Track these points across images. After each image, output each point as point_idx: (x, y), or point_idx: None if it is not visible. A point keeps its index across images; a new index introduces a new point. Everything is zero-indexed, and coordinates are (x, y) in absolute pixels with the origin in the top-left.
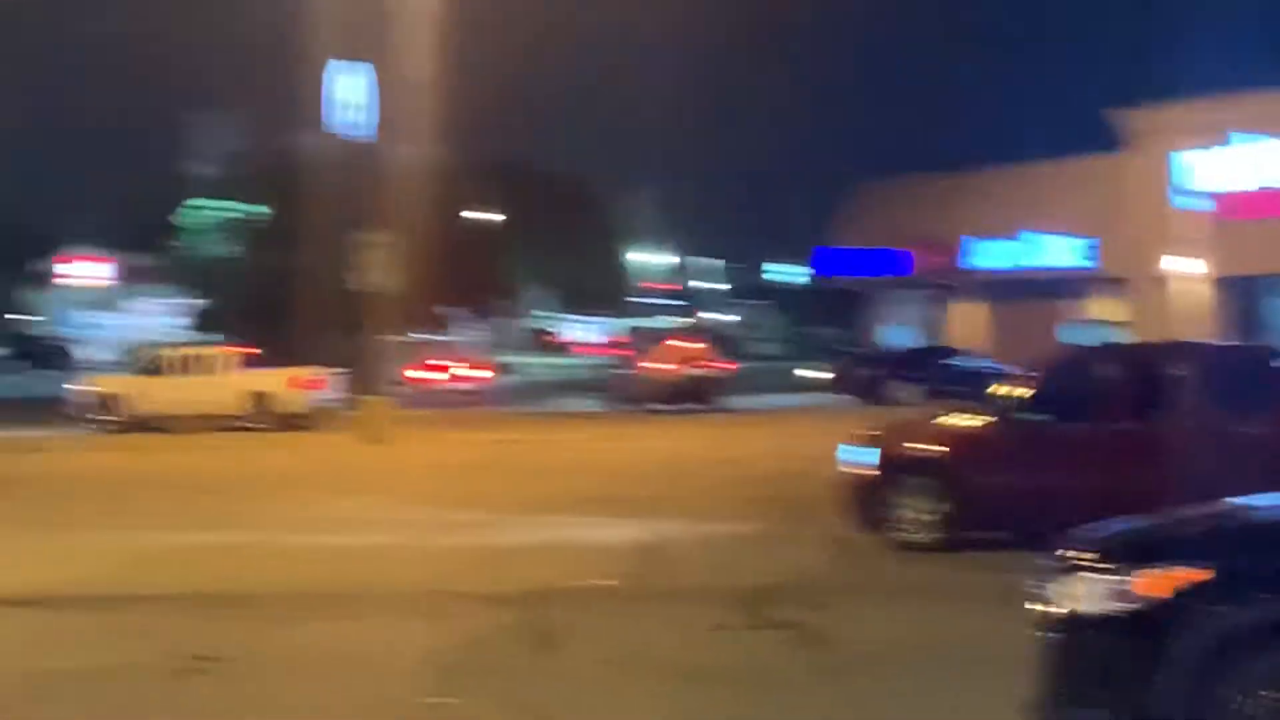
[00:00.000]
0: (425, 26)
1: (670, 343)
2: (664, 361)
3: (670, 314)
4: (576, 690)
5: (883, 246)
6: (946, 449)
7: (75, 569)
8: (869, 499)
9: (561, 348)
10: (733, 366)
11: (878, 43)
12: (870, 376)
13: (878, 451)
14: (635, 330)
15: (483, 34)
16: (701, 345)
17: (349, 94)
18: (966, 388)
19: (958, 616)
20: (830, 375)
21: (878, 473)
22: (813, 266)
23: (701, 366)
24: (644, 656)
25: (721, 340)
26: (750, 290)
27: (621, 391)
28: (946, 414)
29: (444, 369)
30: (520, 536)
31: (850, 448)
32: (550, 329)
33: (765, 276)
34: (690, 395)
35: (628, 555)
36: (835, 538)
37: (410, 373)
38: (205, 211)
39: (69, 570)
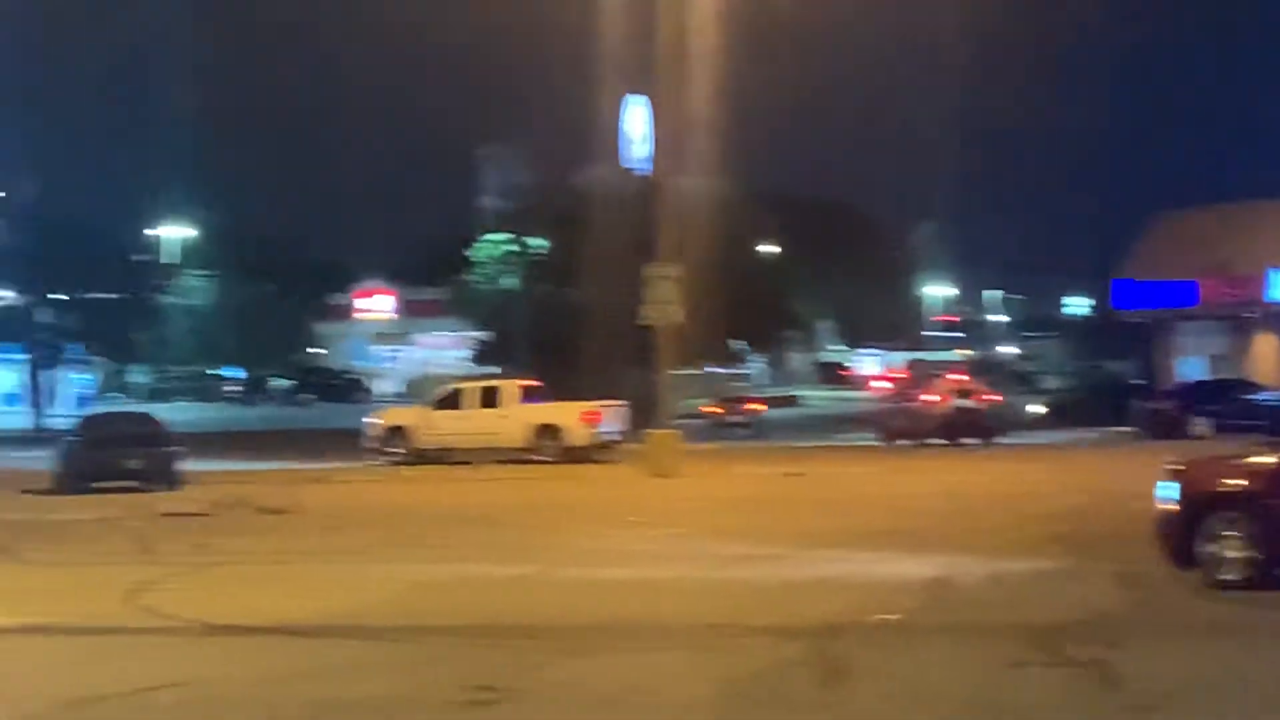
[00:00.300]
0: (708, 61)
1: (941, 376)
2: (933, 395)
3: (955, 347)
4: None
5: (1180, 278)
6: (1255, 484)
7: (362, 599)
8: (1175, 535)
9: (848, 381)
10: (999, 399)
11: (1171, 71)
12: (1163, 411)
13: (1178, 486)
14: (913, 363)
15: (766, 68)
16: (970, 379)
17: (636, 128)
18: (1265, 422)
19: (1263, 656)
20: (1043, 409)
21: (1180, 508)
22: (1112, 298)
23: (974, 400)
24: (936, 692)
25: (1005, 374)
26: (1037, 323)
27: (891, 425)
28: (1253, 448)
29: (738, 403)
30: (806, 570)
31: (1162, 483)
32: (842, 362)
33: (1063, 309)
34: (961, 430)
35: (916, 590)
36: (1132, 574)
37: (704, 406)
38: (492, 245)
39: (356, 600)
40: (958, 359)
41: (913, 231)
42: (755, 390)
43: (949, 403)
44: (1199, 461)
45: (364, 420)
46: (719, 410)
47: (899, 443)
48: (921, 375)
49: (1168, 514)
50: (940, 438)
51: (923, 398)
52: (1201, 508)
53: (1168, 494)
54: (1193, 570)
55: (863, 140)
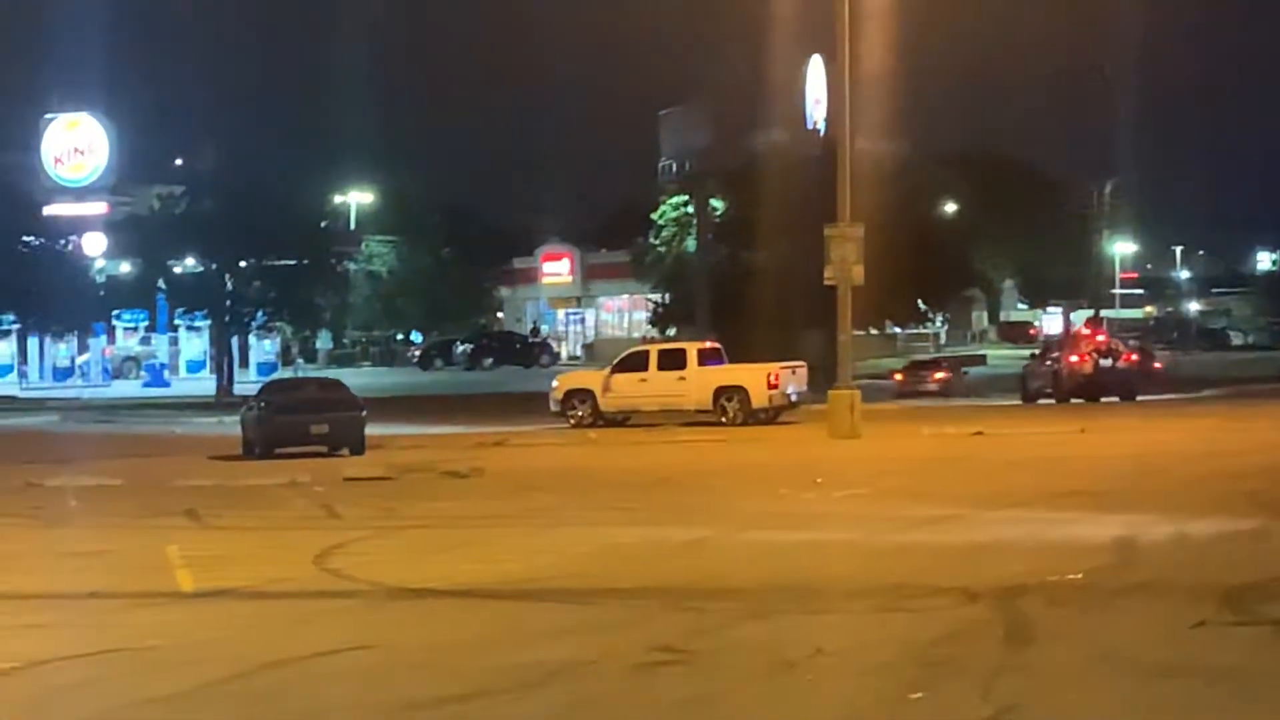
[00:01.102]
0: (887, 21)
1: (1085, 335)
2: (1077, 353)
3: (1140, 304)
4: (1053, 686)
5: None
6: None
7: (545, 562)
8: None
9: (1033, 339)
10: (1136, 359)
11: None
12: None
13: None
14: (1092, 321)
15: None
16: (1110, 339)
17: (815, 89)
18: None
19: None
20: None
21: None
22: None
23: (1118, 359)
24: (1122, 652)
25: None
26: (1224, 279)
27: (1031, 385)
28: None
29: (929, 369)
30: (989, 531)
31: None
32: (1030, 321)
33: (1251, 265)
34: (1102, 389)
35: (1102, 550)
36: None
37: (895, 371)
38: (672, 208)
39: (540, 564)
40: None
41: (1096, 188)
42: (938, 350)
43: (1089, 362)
44: None
45: (553, 384)
46: (902, 378)
47: (1041, 402)
48: (1067, 336)
49: None
50: (1081, 397)
51: (1067, 358)
52: None
53: None
54: None
55: (1045, 96)
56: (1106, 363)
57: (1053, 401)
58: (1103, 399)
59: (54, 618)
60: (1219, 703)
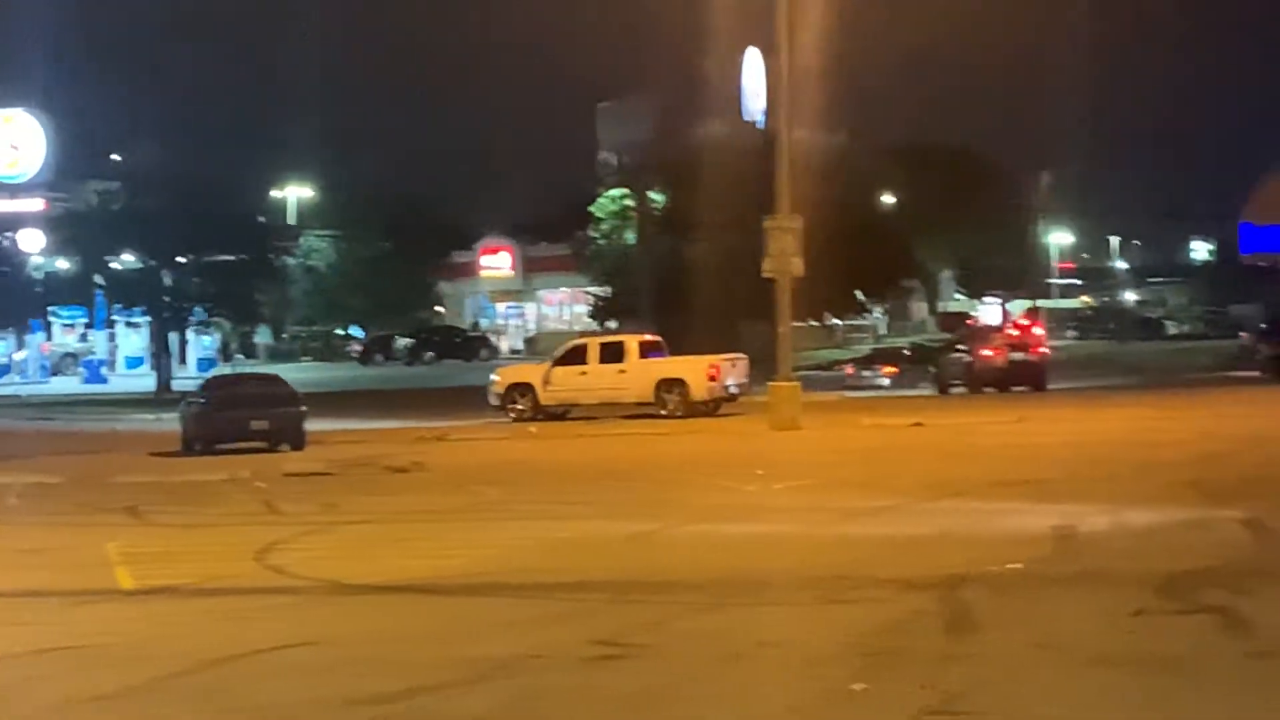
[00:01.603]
0: (825, 12)
1: (996, 328)
2: (988, 347)
3: (1076, 294)
4: (994, 675)
5: None
6: None
7: (489, 556)
8: None
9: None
10: (1047, 351)
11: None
12: None
13: None
14: (1031, 311)
15: (884, 16)
16: (1025, 331)
17: (754, 81)
18: None
19: None
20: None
21: None
22: (1240, 242)
23: (1029, 351)
24: (1062, 641)
25: (1127, 320)
26: (1160, 269)
27: (946, 375)
28: None
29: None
30: (932, 521)
31: None
32: (967, 312)
33: (1183, 254)
34: (1017, 379)
35: (1042, 540)
36: (1259, 520)
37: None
38: (612, 201)
39: (483, 558)
40: (1076, 307)
41: (1035, 179)
42: (877, 341)
43: (1001, 354)
44: None
45: (491, 378)
46: (849, 370)
47: (953, 391)
48: (981, 328)
49: None
50: (992, 387)
51: (979, 350)
52: None
53: None
54: None
55: (983, 87)
56: (1018, 354)
57: (965, 391)
58: (1013, 389)
59: None
60: (1159, 690)
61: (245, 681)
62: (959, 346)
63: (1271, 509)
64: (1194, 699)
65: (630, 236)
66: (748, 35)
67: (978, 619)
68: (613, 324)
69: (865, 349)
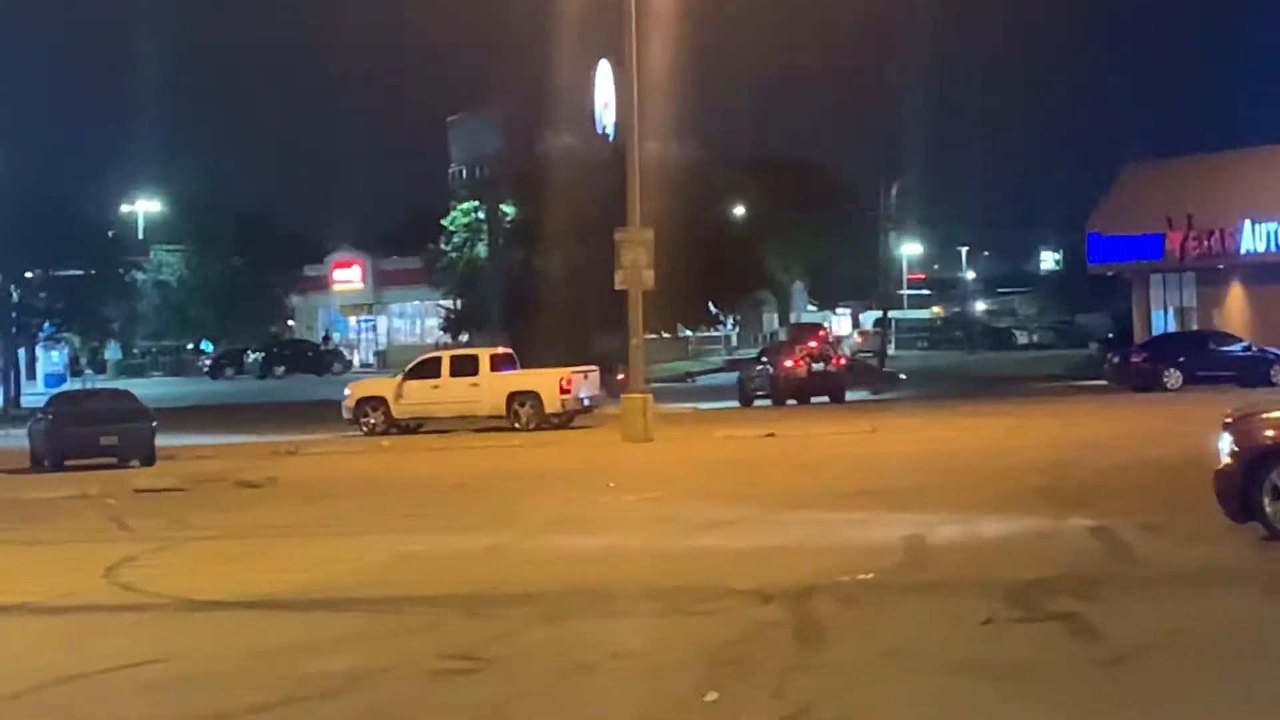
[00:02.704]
0: (675, 25)
1: (796, 341)
2: (790, 359)
3: (926, 304)
4: (845, 684)
5: (1150, 231)
6: None
7: (340, 571)
8: (1225, 488)
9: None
10: (842, 364)
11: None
12: (1135, 363)
13: (1228, 438)
14: (878, 322)
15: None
16: (824, 343)
17: (604, 93)
18: (1235, 373)
19: (1246, 606)
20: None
21: (1230, 461)
22: (1088, 253)
23: (829, 363)
24: (912, 650)
25: (977, 330)
26: (1009, 279)
27: (749, 387)
28: None
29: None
30: (783, 532)
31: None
32: (819, 323)
33: (1034, 265)
34: (814, 391)
35: (892, 549)
36: (1107, 528)
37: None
38: (463, 213)
39: (335, 573)
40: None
41: (883, 189)
42: (729, 353)
43: (803, 366)
44: (1245, 413)
45: (346, 392)
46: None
47: (757, 404)
48: (788, 340)
49: (1225, 467)
50: (795, 398)
51: (782, 362)
52: (1256, 460)
53: (1219, 446)
54: (1250, 523)
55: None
56: (819, 366)
57: (769, 403)
58: (814, 399)
59: None
60: (1008, 698)
61: (92, 700)
62: (762, 359)
63: (1119, 516)
64: (1043, 707)
65: (482, 249)
66: (599, 46)
67: (828, 629)
68: (465, 337)
69: (717, 360)
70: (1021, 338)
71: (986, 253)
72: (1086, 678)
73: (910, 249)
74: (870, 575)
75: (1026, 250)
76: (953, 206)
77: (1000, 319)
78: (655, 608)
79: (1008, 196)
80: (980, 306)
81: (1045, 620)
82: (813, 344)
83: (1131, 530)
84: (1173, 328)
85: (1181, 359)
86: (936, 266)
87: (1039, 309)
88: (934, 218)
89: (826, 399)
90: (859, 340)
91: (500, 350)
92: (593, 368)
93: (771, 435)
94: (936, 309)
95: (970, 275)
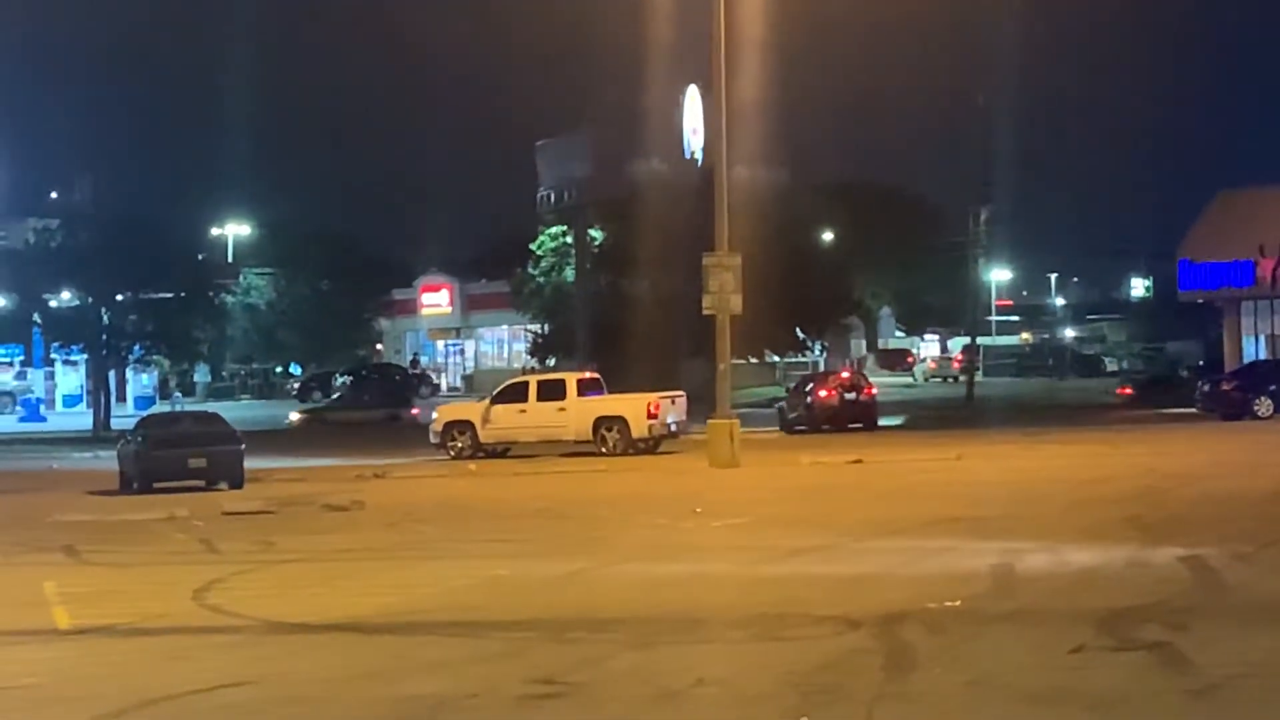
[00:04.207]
0: (764, 51)
1: (832, 372)
2: (826, 388)
3: (1015, 331)
4: (934, 712)
5: (1241, 258)
6: None
7: (427, 595)
8: None
9: (911, 367)
10: (873, 394)
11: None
12: (1226, 391)
13: None
14: (967, 348)
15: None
16: (855, 374)
17: (693, 119)
18: None
19: None
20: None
21: None
22: (1179, 280)
23: (861, 392)
24: (1001, 678)
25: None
26: (1098, 305)
27: (788, 417)
28: None
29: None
30: (870, 559)
31: None
32: (908, 348)
33: (1124, 291)
34: (852, 418)
35: (980, 577)
36: (1197, 557)
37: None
38: (551, 238)
39: (421, 596)
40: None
41: (972, 216)
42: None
43: (836, 395)
44: None
45: (432, 415)
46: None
47: (796, 430)
48: (818, 373)
49: None
50: (830, 425)
51: (817, 392)
52: None
53: None
54: None
55: (920, 125)
56: (851, 395)
57: (806, 430)
58: (849, 427)
59: None
60: None
61: None
62: (803, 389)
63: (1209, 546)
64: None
65: (569, 274)
66: (688, 72)
67: (916, 657)
68: (552, 361)
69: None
70: (1111, 364)
71: (1076, 279)
72: (1176, 707)
73: (999, 275)
74: (958, 603)
75: (1117, 277)
76: (1042, 233)
77: (1089, 346)
78: (742, 634)
79: (1098, 223)
80: (1069, 333)
81: (1134, 649)
82: (844, 375)
83: (1221, 560)
84: (1263, 355)
85: (1273, 387)
86: (1025, 293)
87: (1128, 336)
88: (1023, 244)
89: (860, 425)
90: (932, 366)
91: (587, 375)
92: (680, 392)
93: (859, 462)
94: (1025, 335)
95: (1059, 301)
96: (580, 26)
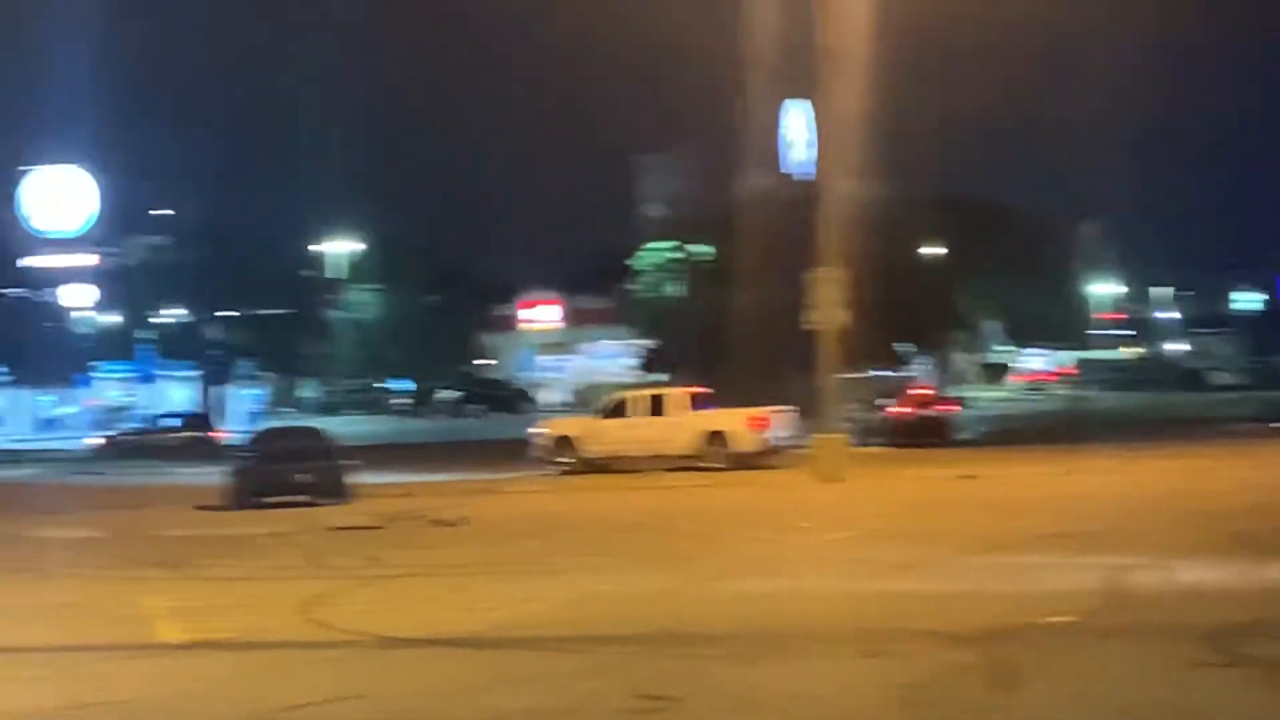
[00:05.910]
0: (867, 64)
1: (909, 388)
2: (902, 404)
3: (1122, 345)
4: None
5: None
6: None
7: (533, 610)
8: None
9: (1012, 380)
10: (956, 408)
11: None
12: None
13: None
14: (1081, 362)
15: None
16: (931, 390)
17: (796, 132)
18: None
19: None
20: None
21: None
22: None
23: (934, 408)
24: (1109, 695)
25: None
26: (1206, 319)
27: (869, 430)
28: None
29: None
30: (977, 574)
31: None
32: (1012, 362)
33: (1232, 305)
34: (925, 434)
35: (1087, 593)
36: None
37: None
38: (656, 253)
39: (527, 611)
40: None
41: (1078, 230)
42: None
43: (913, 411)
44: None
45: (530, 431)
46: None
47: (872, 442)
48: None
49: None
50: (906, 440)
51: (891, 407)
52: None
53: None
54: None
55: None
56: (926, 411)
57: (883, 444)
58: (924, 442)
59: (30, 671)
60: None
61: None
62: (879, 404)
63: None
64: None
65: (672, 289)
66: (791, 86)
67: (1021, 672)
68: (657, 376)
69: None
70: (1219, 379)
71: (1183, 292)
72: None
73: (1104, 288)
74: (1064, 619)
75: (1225, 291)
76: (1149, 247)
77: (1196, 360)
78: (845, 649)
79: (1206, 237)
80: (1176, 347)
81: (1249, 665)
82: (921, 390)
83: None
84: None
85: None
86: (1131, 306)
87: (1236, 350)
88: (1130, 257)
89: (935, 440)
90: (1027, 379)
91: (693, 390)
92: (788, 406)
93: (971, 477)
94: (1131, 350)
95: (1166, 315)
96: (688, 40)
